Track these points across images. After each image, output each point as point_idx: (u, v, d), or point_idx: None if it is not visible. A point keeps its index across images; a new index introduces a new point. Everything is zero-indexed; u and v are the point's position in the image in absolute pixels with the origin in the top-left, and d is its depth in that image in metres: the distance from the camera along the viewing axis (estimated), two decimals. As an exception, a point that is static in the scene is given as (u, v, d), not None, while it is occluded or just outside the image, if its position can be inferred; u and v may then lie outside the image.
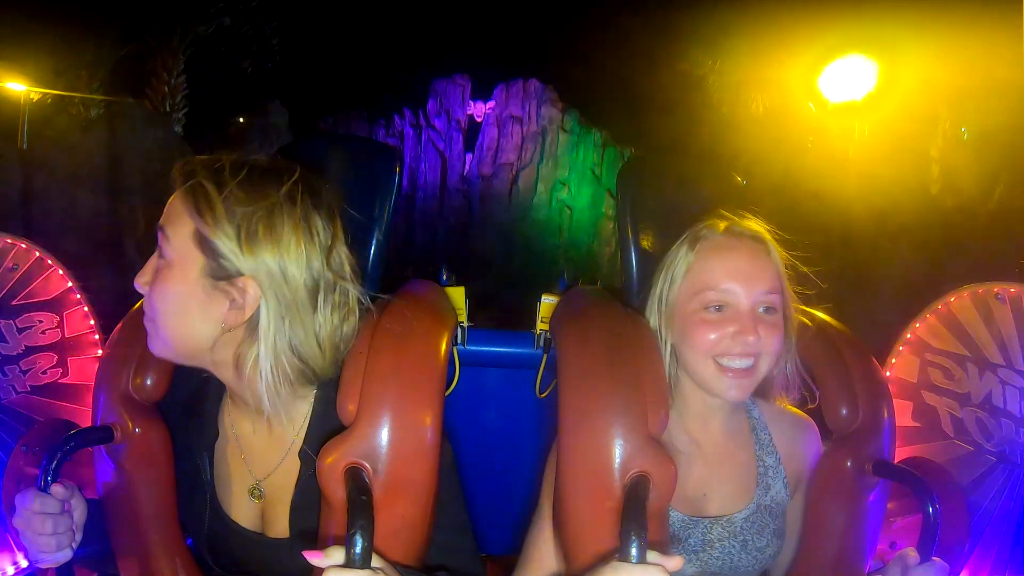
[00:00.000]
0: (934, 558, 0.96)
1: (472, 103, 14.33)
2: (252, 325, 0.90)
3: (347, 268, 0.96)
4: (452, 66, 14.49)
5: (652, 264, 1.13)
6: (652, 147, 12.26)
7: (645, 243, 1.19)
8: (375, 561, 0.75)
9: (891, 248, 5.98)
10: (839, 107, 6.99)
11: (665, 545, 0.90)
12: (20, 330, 1.90)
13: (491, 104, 14.20)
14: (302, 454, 0.98)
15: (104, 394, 1.03)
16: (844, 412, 1.09)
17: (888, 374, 2.07)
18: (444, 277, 1.89)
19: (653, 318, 1.08)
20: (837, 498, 1.08)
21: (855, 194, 6.35)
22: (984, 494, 1.85)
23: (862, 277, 5.85)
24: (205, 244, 0.88)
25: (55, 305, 1.94)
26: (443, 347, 0.95)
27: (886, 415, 1.10)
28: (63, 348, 1.95)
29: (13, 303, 1.88)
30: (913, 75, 6.31)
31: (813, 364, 1.15)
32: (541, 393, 1.43)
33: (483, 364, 1.59)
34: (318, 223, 0.92)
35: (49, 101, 6.98)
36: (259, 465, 1.02)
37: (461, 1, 15.90)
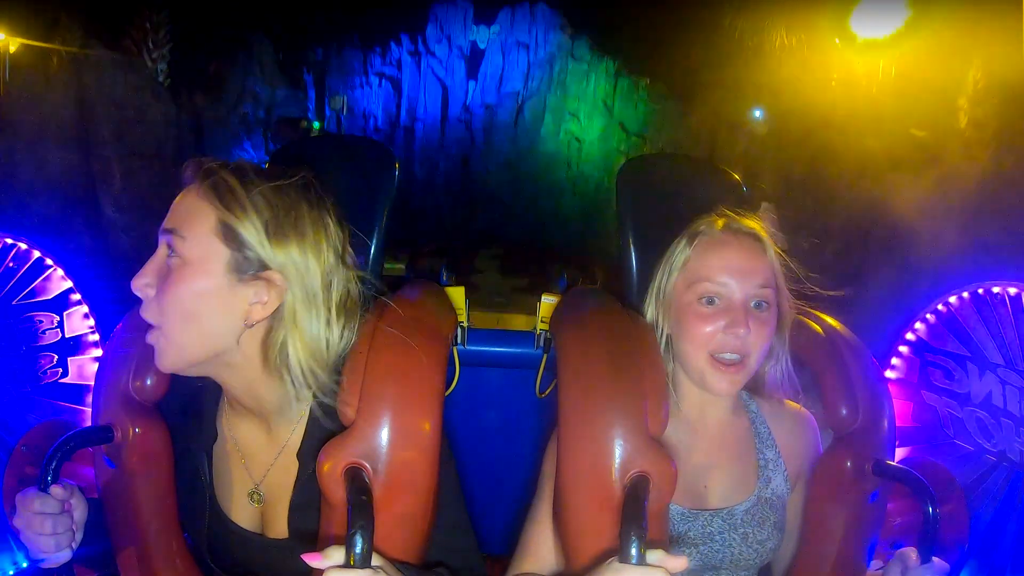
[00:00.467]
0: (934, 558, 0.96)
1: (475, 28, 13.03)
2: (277, 317, 0.91)
3: (354, 268, 0.98)
4: (452, -12, 12.86)
5: (652, 264, 1.14)
6: (669, 80, 11.54)
7: (645, 243, 1.20)
8: (375, 560, 0.75)
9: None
10: (867, 43, 6.75)
11: (666, 545, 0.90)
12: (20, 330, 1.90)
13: (495, 29, 12.92)
14: (300, 455, 0.98)
15: (104, 394, 1.03)
16: (844, 412, 1.09)
17: (888, 374, 2.07)
18: (444, 277, 1.89)
19: (651, 309, 1.12)
20: (837, 498, 1.08)
21: (871, 131, 6.13)
22: (984, 494, 1.85)
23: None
24: (231, 236, 0.88)
25: (55, 305, 1.94)
26: (443, 347, 0.95)
27: (886, 415, 1.10)
28: (63, 348, 1.95)
29: (13, 303, 1.89)
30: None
31: (813, 364, 1.15)
32: (541, 393, 1.43)
33: (483, 364, 1.60)
34: (330, 222, 0.94)
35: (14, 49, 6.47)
36: (258, 467, 1.02)
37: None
